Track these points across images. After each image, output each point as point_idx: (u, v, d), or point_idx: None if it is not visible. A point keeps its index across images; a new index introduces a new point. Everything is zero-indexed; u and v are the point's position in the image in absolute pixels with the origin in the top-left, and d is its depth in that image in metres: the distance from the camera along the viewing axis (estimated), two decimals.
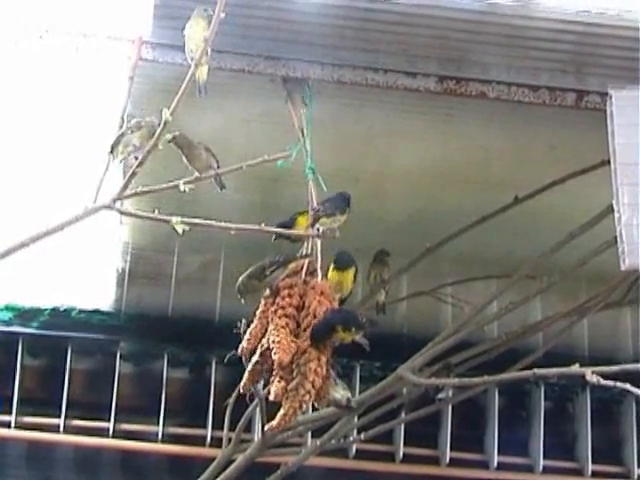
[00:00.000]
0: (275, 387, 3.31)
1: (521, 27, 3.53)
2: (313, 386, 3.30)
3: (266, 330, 3.42)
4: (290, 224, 3.63)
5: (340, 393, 3.51)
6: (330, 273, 3.58)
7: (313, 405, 3.57)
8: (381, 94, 3.81)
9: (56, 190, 4.43)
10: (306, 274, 3.51)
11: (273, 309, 3.42)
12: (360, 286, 4.73)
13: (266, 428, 3.47)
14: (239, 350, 3.46)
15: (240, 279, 3.51)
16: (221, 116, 3.94)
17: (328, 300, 3.43)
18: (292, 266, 3.52)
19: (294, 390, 3.29)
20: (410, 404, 4.97)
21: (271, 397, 3.32)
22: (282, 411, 3.31)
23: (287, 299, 3.43)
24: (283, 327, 3.36)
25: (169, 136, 3.11)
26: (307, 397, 3.31)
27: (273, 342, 3.33)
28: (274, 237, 3.59)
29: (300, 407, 3.31)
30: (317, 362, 3.32)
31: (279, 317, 3.39)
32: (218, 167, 3.52)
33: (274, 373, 3.33)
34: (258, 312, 3.48)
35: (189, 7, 3.37)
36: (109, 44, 3.65)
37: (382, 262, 4.58)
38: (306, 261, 3.52)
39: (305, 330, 3.37)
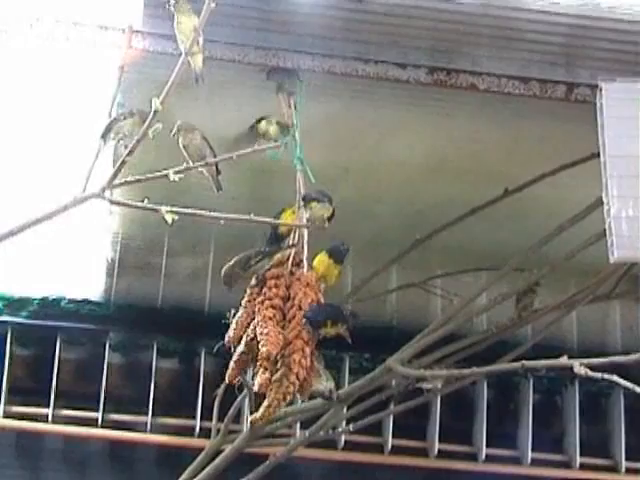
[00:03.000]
0: (259, 378, 3.31)
1: (512, 19, 3.53)
2: (297, 378, 3.30)
3: (252, 320, 3.42)
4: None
5: (323, 384, 3.51)
6: (320, 260, 3.56)
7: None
8: (371, 85, 3.81)
9: (45, 179, 4.43)
10: (292, 265, 3.51)
11: (260, 299, 3.42)
12: (349, 277, 4.74)
13: (250, 419, 3.47)
14: (225, 339, 3.46)
15: (224, 268, 3.51)
16: (212, 107, 3.94)
17: (314, 292, 3.42)
18: (278, 256, 3.52)
19: (278, 382, 3.29)
20: (399, 396, 4.98)
21: (255, 388, 3.32)
22: (266, 402, 3.31)
23: (274, 290, 3.43)
24: (270, 318, 3.35)
25: (159, 125, 3.11)
26: (291, 389, 3.30)
27: (261, 334, 3.32)
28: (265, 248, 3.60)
29: (284, 399, 3.31)
30: (301, 353, 3.32)
31: (266, 308, 3.38)
32: (215, 157, 3.52)
33: (258, 364, 3.33)
34: (244, 301, 3.47)
35: None
36: (99, 33, 3.63)
37: (532, 290, 4.57)
38: (292, 251, 3.52)
39: (290, 321, 3.36)
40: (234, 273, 3.49)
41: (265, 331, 3.32)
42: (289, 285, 3.44)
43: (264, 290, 3.43)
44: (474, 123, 4.12)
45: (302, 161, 3.61)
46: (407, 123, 4.14)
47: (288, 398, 3.33)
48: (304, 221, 3.54)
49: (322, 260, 3.56)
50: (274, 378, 3.30)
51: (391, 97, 3.93)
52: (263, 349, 3.28)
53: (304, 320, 3.32)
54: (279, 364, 3.31)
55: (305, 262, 3.50)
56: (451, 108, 4.00)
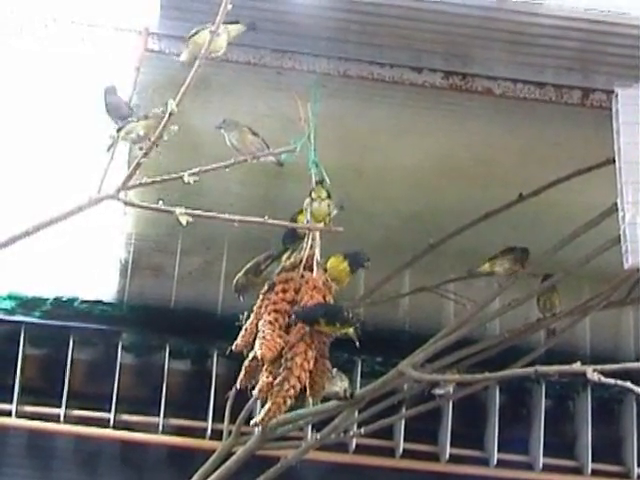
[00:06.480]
0: (261, 382, 3.31)
1: (528, 24, 3.52)
2: (299, 380, 3.29)
3: None
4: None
5: (338, 385, 3.51)
6: (334, 262, 3.55)
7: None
8: (386, 89, 3.81)
9: (60, 179, 4.44)
10: (304, 268, 3.50)
11: (265, 304, 3.42)
12: (362, 281, 4.74)
13: (252, 422, 3.46)
14: (234, 346, 3.46)
15: (236, 278, 3.52)
16: (226, 109, 3.94)
17: (321, 295, 3.42)
18: (290, 261, 3.51)
19: (279, 385, 3.28)
20: (410, 400, 4.97)
21: (255, 392, 3.32)
22: (267, 406, 3.30)
23: (281, 294, 3.42)
24: (271, 322, 3.35)
25: (175, 127, 3.12)
26: (292, 392, 3.29)
27: (259, 338, 3.32)
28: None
29: (284, 402, 3.29)
30: (304, 356, 3.31)
31: (268, 313, 3.38)
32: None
33: (263, 368, 3.33)
34: (255, 308, 3.47)
35: None
36: (116, 35, 3.64)
37: (552, 288, 4.55)
38: (305, 255, 3.50)
39: (296, 324, 3.36)
40: (247, 280, 3.50)
41: (262, 335, 3.32)
42: (298, 289, 3.44)
43: (271, 295, 3.43)
44: (489, 127, 4.12)
45: (317, 164, 3.61)
46: (421, 127, 4.13)
47: (289, 401, 3.32)
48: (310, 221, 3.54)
49: (337, 263, 3.55)
50: (276, 382, 3.30)
51: (406, 101, 3.93)
52: (258, 352, 3.28)
53: (293, 316, 3.32)
54: (281, 368, 3.31)
55: (316, 265, 3.50)
56: (466, 112, 4.00)
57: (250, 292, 3.54)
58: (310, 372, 3.34)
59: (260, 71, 3.75)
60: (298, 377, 3.29)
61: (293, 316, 3.33)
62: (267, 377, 3.31)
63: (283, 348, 3.32)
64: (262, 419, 3.33)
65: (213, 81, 3.66)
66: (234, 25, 3.35)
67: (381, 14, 3.51)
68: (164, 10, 3.55)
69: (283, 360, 3.31)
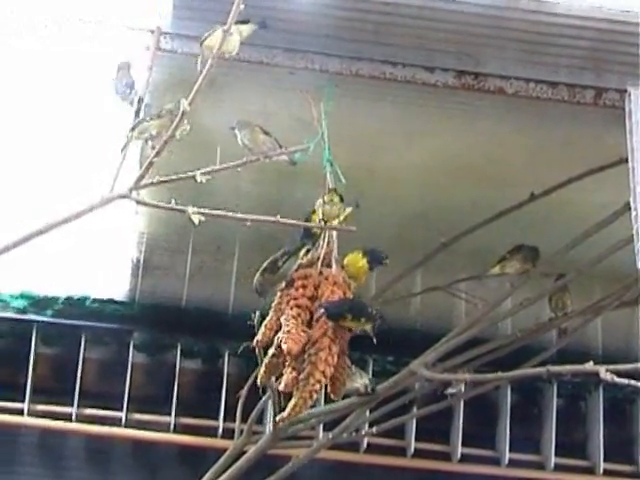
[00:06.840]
0: (286, 377, 3.31)
1: (540, 23, 3.52)
2: (324, 375, 3.30)
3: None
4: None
5: (359, 382, 3.51)
6: (352, 259, 3.54)
7: (328, 397, 3.57)
8: (398, 88, 3.80)
9: (73, 178, 4.44)
10: (322, 265, 3.50)
11: (286, 299, 3.42)
12: (374, 280, 4.74)
13: (277, 418, 3.47)
14: (254, 343, 3.45)
15: (255, 278, 3.52)
16: (238, 109, 3.94)
17: (342, 290, 3.42)
18: (308, 257, 3.51)
19: (304, 380, 3.29)
20: (422, 399, 4.97)
21: (281, 387, 3.32)
22: (293, 401, 3.31)
23: (301, 290, 3.42)
24: (294, 317, 3.35)
25: (187, 126, 3.12)
26: (317, 386, 3.30)
27: (284, 332, 3.32)
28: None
29: (310, 397, 3.30)
30: (328, 351, 3.32)
31: (291, 308, 3.38)
32: None
33: (287, 364, 3.33)
34: (274, 304, 3.47)
35: None
36: (128, 34, 3.65)
37: (564, 287, 4.54)
38: (323, 252, 3.51)
39: (317, 320, 3.36)
40: (265, 279, 3.49)
41: (287, 329, 3.32)
42: (318, 285, 3.44)
43: (291, 291, 3.43)
44: (500, 127, 4.11)
45: (332, 163, 3.61)
46: (433, 126, 4.13)
47: (315, 396, 3.33)
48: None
49: (355, 260, 3.54)
50: (301, 377, 3.30)
51: (418, 100, 3.93)
52: (284, 346, 3.28)
53: (321, 311, 3.32)
54: (305, 363, 3.32)
55: (334, 261, 3.50)
56: (477, 112, 4.00)
57: (270, 291, 3.53)
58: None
59: (272, 71, 3.74)
60: (323, 372, 3.29)
61: (321, 310, 3.32)
62: (291, 372, 3.31)
63: (306, 343, 3.32)
64: (289, 414, 3.34)
65: (225, 80, 3.66)
66: (246, 25, 3.35)
67: (393, 13, 3.50)
68: (176, 9, 3.55)
69: (306, 355, 3.32)
